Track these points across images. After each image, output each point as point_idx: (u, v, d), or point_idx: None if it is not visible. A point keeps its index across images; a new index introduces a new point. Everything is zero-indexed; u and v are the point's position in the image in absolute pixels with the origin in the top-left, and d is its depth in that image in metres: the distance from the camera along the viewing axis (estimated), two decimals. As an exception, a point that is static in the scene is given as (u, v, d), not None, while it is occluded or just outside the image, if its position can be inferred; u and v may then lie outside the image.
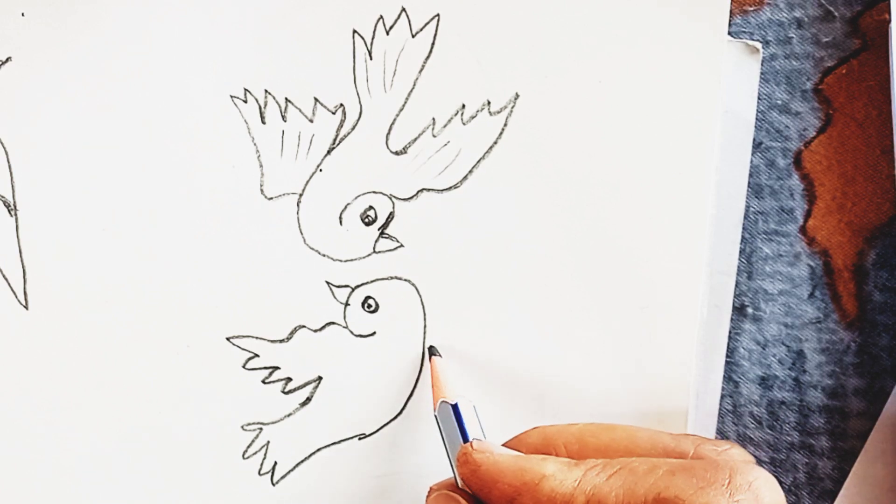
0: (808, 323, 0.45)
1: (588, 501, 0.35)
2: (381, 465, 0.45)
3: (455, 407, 0.40)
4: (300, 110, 0.44)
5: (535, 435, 0.41)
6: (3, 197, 0.44)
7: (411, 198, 0.44)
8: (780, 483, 0.45)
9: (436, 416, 0.41)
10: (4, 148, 0.44)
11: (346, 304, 0.45)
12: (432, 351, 0.44)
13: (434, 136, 0.44)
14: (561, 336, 0.44)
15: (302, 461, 0.46)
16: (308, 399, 0.45)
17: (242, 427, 0.45)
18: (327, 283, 0.45)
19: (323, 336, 0.45)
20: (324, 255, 0.45)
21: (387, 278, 0.45)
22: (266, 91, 0.44)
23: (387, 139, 0.44)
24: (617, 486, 0.35)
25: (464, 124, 0.44)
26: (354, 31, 0.44)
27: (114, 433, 0.45)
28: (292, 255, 0.45)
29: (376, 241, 0.45)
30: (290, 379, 0.45)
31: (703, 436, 0.40)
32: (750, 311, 0.45)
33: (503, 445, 0.40)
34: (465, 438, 0.39)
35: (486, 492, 0.37)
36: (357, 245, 0.45)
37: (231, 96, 0.44)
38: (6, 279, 0.45)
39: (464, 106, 0.44)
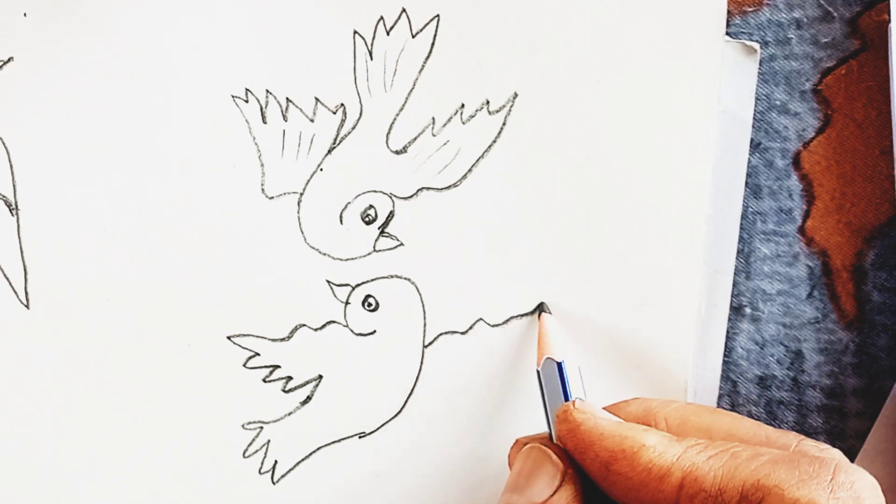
0: (807, 323, 0.45)
1: (685, 477, 0.35)
2: (381, 464, 0.45)
3: (560, 365, 0.40)
4: (301, 110, 0.44)
5: (636, 405, 0.41)
6: (4, 196, 0.44)
7: (411, 197, 0.44)
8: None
9: (538, 371, 0.41)
10: (6, 147, 0.44)
11: (347, 303, 0.45)
12: (542, 308, 0.44)
13: (434, 135, 0.44)
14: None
15: (302, 460, 0.46)
16: (308, 398, 0.45)
17: (243, 426, 0.45)
18: (328, 281, 0.45)
19: (323, 335, 0.45)
20: (324, 254, 0.45)
21: (387, 277, 0.45)
22: (267, 91, 0.44)
23: (387, 138, 0.44)
24: (717, 466, 0.35)
25: (463, 123, 0.44)
26: (355, 32, 0.44)
27: (114, 432, 0.45)
28: (293, 254, 0.45)
29: (376, 240, 0.45)
30: (290, 377, 0.45)
31: (804, 436, 0.40)
32: (748, 311, 0.45)
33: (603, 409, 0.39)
34: (567, 398, 0.39)
35: (582, 452, 0.37)
36: (357, 244, 0.45)
37: (232, 96, 0.44)
38: (7, 278, 0.45)
39: (463, 105, 0.44)
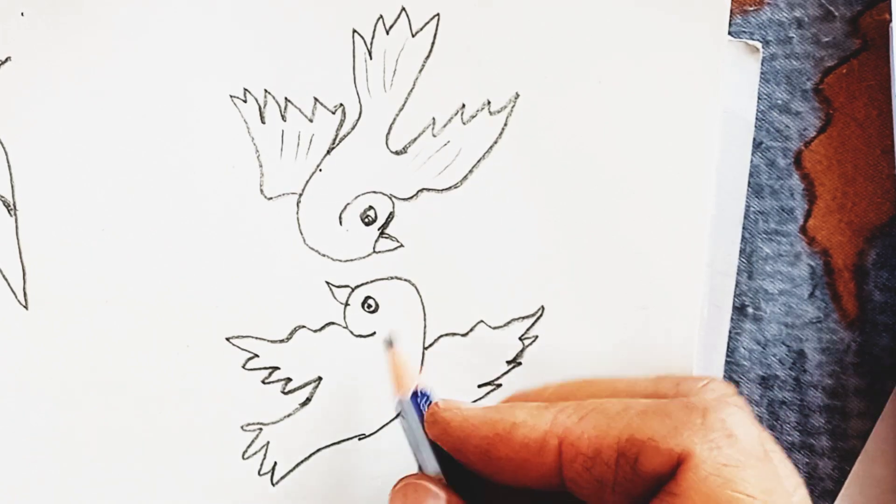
0: (809, 323, 0.45)
1: (561, 443, 0.34)
2: (380, 466, 0.45)
3: (414, 396, 0.39)
4: (300, 110, 0.44)
5: (511, 401, 0.40)
6: (2, 197, 0.44)
7: (411, 198, 0.44)
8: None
9: (399, 413, 0.40)
10: (4, 148, 0.44)
11: (346, 305, 0.45)
12: (389, 343, 0.42)
13: (434, 135, 0.44)
14: (560, 335, 0.44)
15: (302, 461, 0.46)
16: (308, 399, 0.45)
17: (242, 427, 0.45)
18: (327, 283, 0.45)
19: (323, 336, 0.45)
20: (324, 255, 0.45)
21: (387, 278, 0.45)
22: (266, 91, 0.44)
23: (387, 139, 0.44)
24: (589, 427, 0.34)
25: (464, 124, 0.44)
26: (354, 31, 0.44)
27: (114, 433, 0.45)
28: (292, 255, 0.45)
29: (376, 241, 0.45)
30: (289, 379, 0.45)
31: (684, 375, 0.39)
32: (750, 310, 0.45)
33: None
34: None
35: (460, 449, 0.36)
36: (357, 245, 0.45)
37: (231, 96, 0.44)
38: (6, 279, 0.45)
39: (464, 106, 0.44)
